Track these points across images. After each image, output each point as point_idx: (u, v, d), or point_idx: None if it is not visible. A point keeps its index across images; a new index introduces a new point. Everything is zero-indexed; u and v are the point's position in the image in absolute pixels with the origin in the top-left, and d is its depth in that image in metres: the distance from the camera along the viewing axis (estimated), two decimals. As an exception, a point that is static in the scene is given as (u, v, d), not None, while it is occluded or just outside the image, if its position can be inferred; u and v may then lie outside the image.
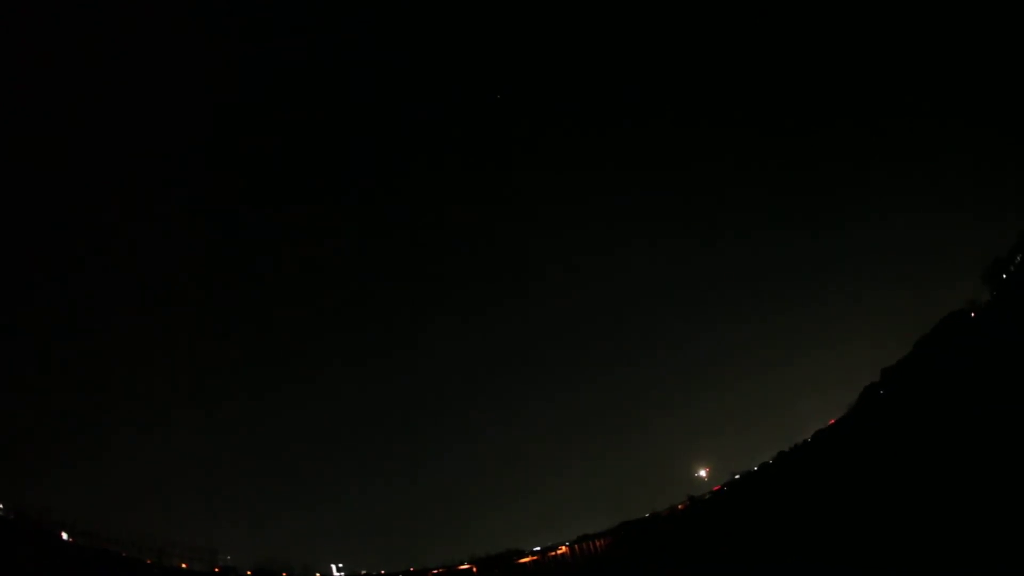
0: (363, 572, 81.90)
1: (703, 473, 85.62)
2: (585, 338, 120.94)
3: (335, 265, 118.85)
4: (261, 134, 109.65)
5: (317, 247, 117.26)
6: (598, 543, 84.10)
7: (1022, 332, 46.31)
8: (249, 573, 71.37)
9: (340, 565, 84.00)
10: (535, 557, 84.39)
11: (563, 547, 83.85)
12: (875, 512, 42.00)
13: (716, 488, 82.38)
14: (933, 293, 78.21)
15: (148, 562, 62.32)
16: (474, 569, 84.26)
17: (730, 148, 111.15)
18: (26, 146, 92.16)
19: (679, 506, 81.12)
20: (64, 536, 57.49)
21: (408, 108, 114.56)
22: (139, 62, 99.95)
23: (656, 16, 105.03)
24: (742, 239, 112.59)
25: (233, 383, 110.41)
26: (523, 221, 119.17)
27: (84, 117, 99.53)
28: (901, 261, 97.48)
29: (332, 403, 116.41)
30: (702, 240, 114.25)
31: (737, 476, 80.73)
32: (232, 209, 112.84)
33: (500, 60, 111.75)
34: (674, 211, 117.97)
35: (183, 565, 65.01)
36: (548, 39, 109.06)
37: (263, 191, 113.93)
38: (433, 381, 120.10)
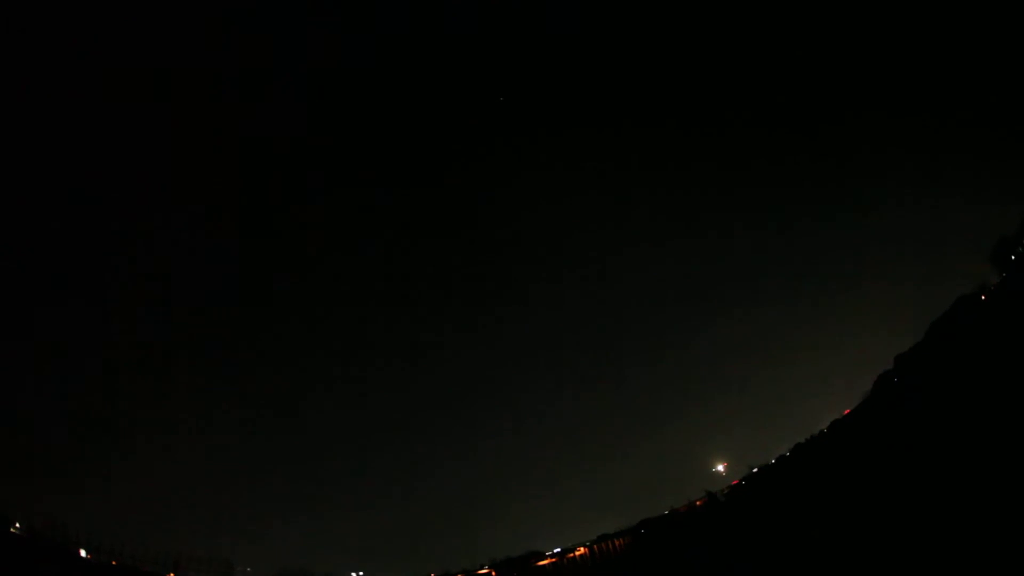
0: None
1: (720, 468, 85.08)
2: (597, 340, 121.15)
3: (338, 270, 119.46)
4: (260, 136, 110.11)
5: (319, 252, 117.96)
6: (617, 542, 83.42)
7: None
8: (270, 583, 71.70)
9: (361, 573, 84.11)
10: (553, 559, 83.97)
11: (581, 548, 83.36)
12: (894, 503, 41.29)
13: (734, 482, 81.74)
14: (941, 279, 77.31)
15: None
16: (493, 573, 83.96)
17: (730, 145, 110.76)
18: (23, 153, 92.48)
19: (697, 502, 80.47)
20: (82, 553, 57.75)
21: (411, 111, 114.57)
22: (157, 62, 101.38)
23: (657, 8, 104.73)
24: (746, 236, 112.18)
25: (242, 392, 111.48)
26: (529, 223, 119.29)
27: (85, 117, 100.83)
28: (906, 250, 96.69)
29: (347, 410, 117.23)
30: (708, 238, 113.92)
31: (755, 470, 79.94)
32: (231, 213, 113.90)
33: (499, 63, 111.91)
34: (679, 209, 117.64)
35: (202, 578, 65.49)
36: (544, 41, 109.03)
37: (263, 193, 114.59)
38: (448, 386, 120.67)
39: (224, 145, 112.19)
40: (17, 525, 54.14)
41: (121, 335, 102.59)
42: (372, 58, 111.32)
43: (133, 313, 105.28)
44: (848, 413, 70.40)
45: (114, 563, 58.77)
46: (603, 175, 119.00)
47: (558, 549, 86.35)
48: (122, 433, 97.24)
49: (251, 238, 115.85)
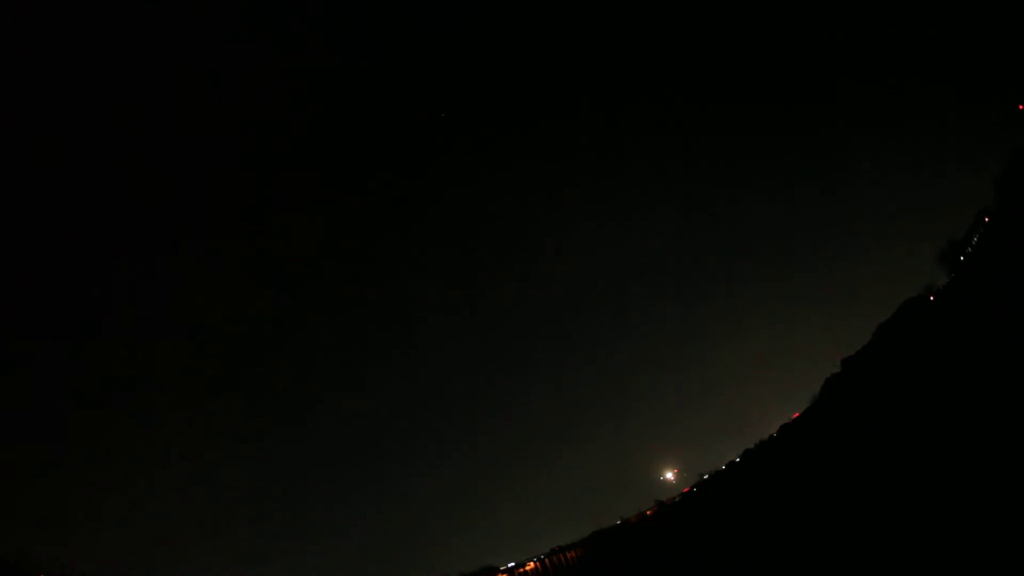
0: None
1: (670, 476, 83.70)
2: (536, 351, 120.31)
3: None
4: (260, 136, 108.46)
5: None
6: (570, 555, 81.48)
7: (981, 315, 44.91)
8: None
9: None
10: (506, 575, 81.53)
11: (531, 563, 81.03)
12: (845, 503, 40.07)
13: (685, 490, 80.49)
14: (888, 282, 77.68)
15: None
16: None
17: (668, 126, 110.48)
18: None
19: (647, 512, 78.88)
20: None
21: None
22: (157, 62, 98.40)
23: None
24: (696, 236, 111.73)
25: (204, 428, 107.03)
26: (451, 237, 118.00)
27: (84, 117, 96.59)
28: (855, 254, 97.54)
29: (301, 444, 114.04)
30: (653, 237, 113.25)
31: (705, 476, 78.76)
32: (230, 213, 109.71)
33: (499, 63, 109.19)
34: (618, 207, 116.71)
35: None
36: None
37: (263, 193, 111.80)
38: (400, 401, 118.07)
39: (224, 145, 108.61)
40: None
41: (80, 368, 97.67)
42: (372, 58, 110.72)
43: (131, 320, 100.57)
44: (797, 417, 69.81)
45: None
46: (531, 169, 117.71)
47: (512, 564, 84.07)
48: (79, 467, 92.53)
49: (250, 238, 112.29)
